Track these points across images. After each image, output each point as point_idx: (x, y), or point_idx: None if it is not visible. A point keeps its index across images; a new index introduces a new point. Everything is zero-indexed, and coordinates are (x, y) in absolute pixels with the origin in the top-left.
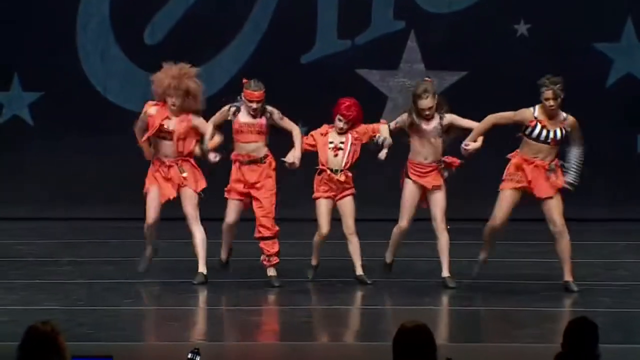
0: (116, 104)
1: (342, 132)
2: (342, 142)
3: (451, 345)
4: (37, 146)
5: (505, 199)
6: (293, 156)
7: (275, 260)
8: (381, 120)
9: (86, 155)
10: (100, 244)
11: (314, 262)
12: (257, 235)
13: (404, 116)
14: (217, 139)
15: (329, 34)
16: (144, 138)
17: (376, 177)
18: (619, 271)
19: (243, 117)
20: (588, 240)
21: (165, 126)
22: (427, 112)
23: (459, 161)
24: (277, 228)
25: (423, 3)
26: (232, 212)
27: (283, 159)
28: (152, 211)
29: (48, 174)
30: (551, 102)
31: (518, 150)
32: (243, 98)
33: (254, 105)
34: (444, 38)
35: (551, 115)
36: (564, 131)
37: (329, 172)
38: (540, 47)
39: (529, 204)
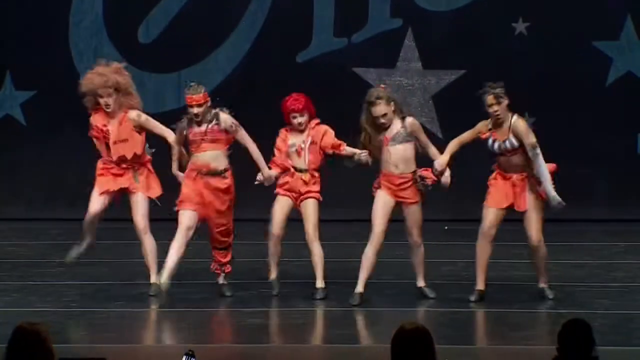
0: None
1: (302, 129)
2: (303, 142)
3: (447, 347)
4: (29, 146)
5: (490, 215)
6: (263, 177)
7: (227, 269)
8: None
9: (79, 154)
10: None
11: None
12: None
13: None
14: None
15: (326, 32)
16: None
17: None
18: (617, 272)
19: (194, 129)
20: (587, 241)
21: (110, 130)
22: (382, 120)
23: (433, 177)
24: (231, 239)
25: (420, 1)
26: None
27: (256, 181)
28: (94, 203)
29: (41, 174)
30: (494, 107)
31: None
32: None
33: (194, 110)
34: (441, 36)
35: (498, 123)
36: (512, 139)
37: (293, 170)
38: (539, 45)
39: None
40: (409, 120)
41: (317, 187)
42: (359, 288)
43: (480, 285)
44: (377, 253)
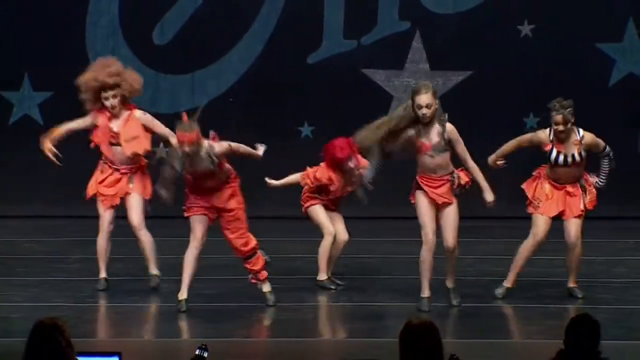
0: None
1: (354, 171)
2: (353, 182)
3: (455, 341)
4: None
5: (543, 224)
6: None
7: (262, 275)
8: None
9: (95, 153)
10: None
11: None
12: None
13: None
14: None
15: (336, 34)
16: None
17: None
18: (619, 268)
19: (187, 165)
20: (588, 238)
21: (115, 129)
22: (424, 111)
23: (469, 179)
24: (252, 244)
25: (428, 4)
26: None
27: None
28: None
29: (58, 173)
30: (560, 127)
31: (543, 168)
32: None
33: (186, 149)
34: (448, 38)
35: (563, 139)
36: (582, 152)
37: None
38: (543, 47)
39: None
40: (449, 127)
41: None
42: (426, 293)
43: (509, 283)
44: (432, 254)
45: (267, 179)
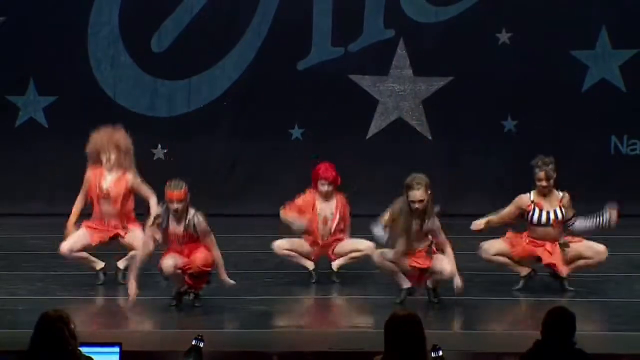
0: (125, 107)
1: (328, 197)
2: (331, 213)
3: (437, 332)
4: (51, 146)
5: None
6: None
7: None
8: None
9: None
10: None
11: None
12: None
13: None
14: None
15: (324, 41)
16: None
17: (369, 173)
18: None
19: (172, 225)
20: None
21: (104, 185)
22: (417, 205)
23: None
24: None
25: (411, 13)
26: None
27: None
28: (72, 243)
29: (61, 173)
30: (544, 183)
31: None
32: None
33: (174, 206)
34: (431, 46)
35: (545, 194)
36: (563, 209)
37: (319, 238)
38: (520, 54)
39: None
40: (431, 223)
41: (342, 235)
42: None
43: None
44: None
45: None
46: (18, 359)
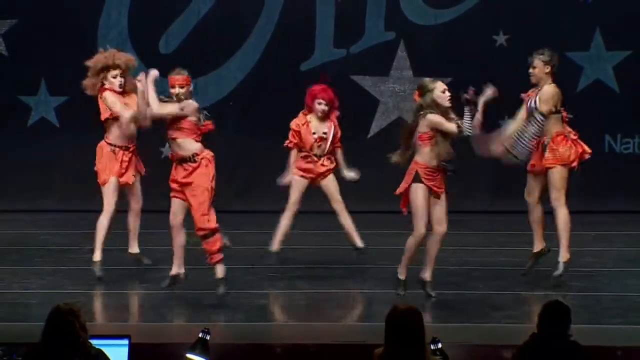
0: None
1: (323, 117)
2: (324, 132)
3: (436, 325)
4: (62, 145)
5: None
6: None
7: (218, 257)
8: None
9: None
10: (118, 233)
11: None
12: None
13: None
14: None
15: (326, 43)
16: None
17: (370, 170)
18: (587, 258)
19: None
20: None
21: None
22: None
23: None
24: (213, 225)
25: (411, 16)
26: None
27: None
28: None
29: (72, 171)
30: (529, 70)
31: None
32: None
33: (176, 91)
34: (430, 47)
35: (534, 84)
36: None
37: (314, 157)
38: (517, 55)
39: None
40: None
41: (333, 165)
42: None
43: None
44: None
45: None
46: (30, 351)
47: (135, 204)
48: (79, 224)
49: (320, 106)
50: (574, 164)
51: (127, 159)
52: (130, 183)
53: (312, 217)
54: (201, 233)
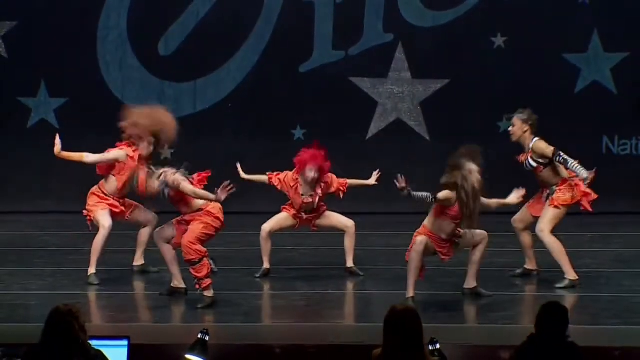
0: None
1: (313, 182)
2: (311, 195)
3: (434, 326)
4: (62, 147)
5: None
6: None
7: (207, 282)
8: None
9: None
10: (118, 234)
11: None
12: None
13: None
14: None
15: (325, 45)
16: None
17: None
18: (584, 260)
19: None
20: (557, 231)
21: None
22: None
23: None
24: (201, 250)
25: (410, 18)
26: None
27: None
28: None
29: (71, 172)
30: (510, 131)
31: None
32: None
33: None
34: (428, 49)
35: (521, 145)
36: (532, 159)
37: (303, 215)
38: (515, 57)
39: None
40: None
41: (323, 208)
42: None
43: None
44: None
45: (238, 167)
46: (30, 352)
47: (149, 222)
48: (79, 225)
49: (311, 173)
50: (582, 201)
51: (118, 203)
52: (122, 212)
53: None
54: (188, 258)
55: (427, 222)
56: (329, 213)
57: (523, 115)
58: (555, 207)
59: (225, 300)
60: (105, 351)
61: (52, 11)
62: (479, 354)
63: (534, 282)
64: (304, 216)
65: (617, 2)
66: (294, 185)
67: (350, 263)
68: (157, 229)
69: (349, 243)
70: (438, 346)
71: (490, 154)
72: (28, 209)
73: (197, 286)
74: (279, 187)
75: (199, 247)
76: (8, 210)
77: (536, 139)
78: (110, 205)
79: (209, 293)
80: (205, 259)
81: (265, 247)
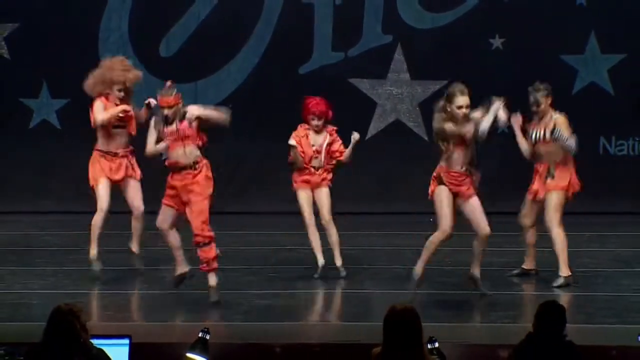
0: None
1: (319, 130)
2: (320, 145)
3: (433, 325)
4: (63, 147)
5: None
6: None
7: (214, 265)
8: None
9: None
10: (118, 234)
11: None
12: (194, 242)
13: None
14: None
15: (325, 46)
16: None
17: (368, 172)
18: (582, 259)
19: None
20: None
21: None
22: (465, 110)
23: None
24: (211, 233)
25: (408, 19)
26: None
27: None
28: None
29: (73, 172)
30: (533, 108)
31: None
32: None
33: (165, 112)
34: (427, 50)
35: (540, 117)
36: (550, 131)
37: (312, 170)
38: (513, 58)
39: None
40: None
41: (329, 176)
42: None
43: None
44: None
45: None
46: (31, 351)
47: (136, 210)
48: (80, 225)
49: (314, 121)
50: (571, 191)
51: (115, 164)
52: (120, 179)
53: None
54: (198, 240)
55: (440, 164)
56: (327, 191)
57: (546, 91)
58: (553, 191)
59: (226, 299)
60: (106, 350)
61: (54, 13)
62: (478, 353)
63: (533, 282)
64: (313, 171)
65: (614, 4)
66: (304, 136)
67: (321, 259)
68: (158, 220)
69: (332, 240)
70: (437, 345)
71: (489, 154)
72: (28, 209)
73: (205, 267)
74: (298, 147)
75: (209, 230)
76: (8, 210)
77: (559, 113)
78: (106, 173)
79: (213, 281)
80: (213, 241)
81: (315, 240)
